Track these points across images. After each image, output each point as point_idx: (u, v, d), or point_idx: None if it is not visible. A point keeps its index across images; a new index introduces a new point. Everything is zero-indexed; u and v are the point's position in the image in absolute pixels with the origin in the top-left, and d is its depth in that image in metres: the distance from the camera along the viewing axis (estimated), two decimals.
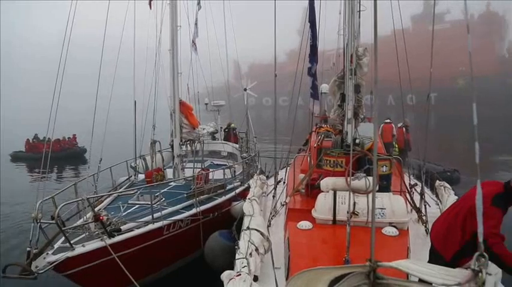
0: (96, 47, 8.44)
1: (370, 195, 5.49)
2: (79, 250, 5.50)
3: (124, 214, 6.91)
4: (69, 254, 5.39)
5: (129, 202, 7.63)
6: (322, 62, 10.96)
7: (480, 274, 1.32)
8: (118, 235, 5.96)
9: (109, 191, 8.85)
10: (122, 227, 6.16)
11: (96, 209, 6.63)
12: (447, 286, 1.32)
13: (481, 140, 1.58)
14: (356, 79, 6.51)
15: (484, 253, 1.37)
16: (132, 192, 8.00)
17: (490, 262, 3.89)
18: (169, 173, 10.20)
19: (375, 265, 1.37)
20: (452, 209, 4.17)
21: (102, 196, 7.64)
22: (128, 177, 10.07)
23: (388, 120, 14.45)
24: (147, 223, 6.61)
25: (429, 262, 4.02)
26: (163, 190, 8.29)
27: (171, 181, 9.24)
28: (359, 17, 6.68)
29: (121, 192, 8.24)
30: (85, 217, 6.23)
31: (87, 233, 5.88)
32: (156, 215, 6.76)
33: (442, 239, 3.99)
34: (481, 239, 1.43)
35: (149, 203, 6.90)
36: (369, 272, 1.38)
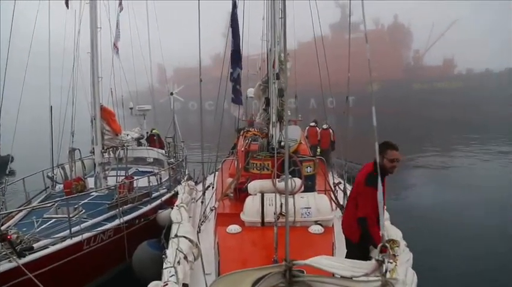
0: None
1: (296, 196, 5.69)
2: None
3: (38, 229, 6.34)
4: None
5: (45, 215, 7.03)
6: (247, 67, 11.13)
7: (384, 264, 1.42)
8: (30, 254, 5.43)
9: (22, 205, 8.09)
10: (34, 245, 5.63)
11: (4, 226, 6.03)
12: (356, 278, 1.41)
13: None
14: (279, 83, 6.69)
15: (386, 244, 1.49)
16: (48, 205, 7.38)
17: (403, 251, 4.29)
18: (90, 182, 9.57)
19: (290, 264, 1.42)
20: (350, 198, 4.65)
21: (11, 212, 6.93)
22: (44, 188, 9.30)
23: (313, 124, 15.13)
24: (64, 238, 6.13)
25: (346, 249, 4.49)
26: (83, 201, 7.77)
27: (92, 191, 8.70)
28: (281, 23, 6.90)
29: (34, 206, 7.55)
30: None
31: None
32: (74, 229, 6.31)
33: (347, 226, 4.47)
34: (383, 231, 1.56)
35: (67, 216, 6.42)
36: (285, 271, 1.42)
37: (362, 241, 4.22)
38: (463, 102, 50.32)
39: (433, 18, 66.02)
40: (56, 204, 7.24)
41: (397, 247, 4.26)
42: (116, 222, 7.20)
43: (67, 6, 9.62)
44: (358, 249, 4.32)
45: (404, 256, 4.17)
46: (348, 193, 7.27)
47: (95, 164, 9.54)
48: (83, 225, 6.61)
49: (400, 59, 66.44)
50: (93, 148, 9.59)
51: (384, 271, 1.39)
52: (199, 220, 6.49)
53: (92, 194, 8.51)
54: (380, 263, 1.40)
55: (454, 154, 23.07)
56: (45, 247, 5.81)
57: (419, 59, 69.88)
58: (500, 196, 12.59)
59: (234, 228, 5.30)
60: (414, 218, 10.05)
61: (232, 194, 6.72)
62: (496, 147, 23.62)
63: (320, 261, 1.49)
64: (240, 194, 6.49)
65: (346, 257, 4.45)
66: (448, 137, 29.33)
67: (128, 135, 10.80)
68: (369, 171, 4.02)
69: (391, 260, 1.50)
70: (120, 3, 11.07)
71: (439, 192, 13.84)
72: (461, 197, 12.73)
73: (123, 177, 9.31)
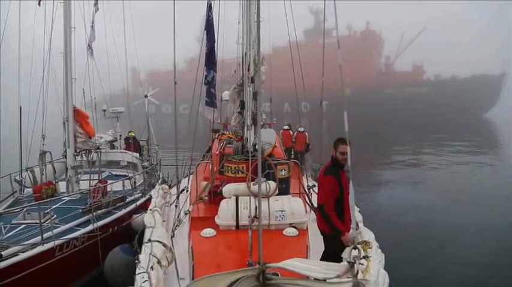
0: None
1: (271, 199, 5.72)
2: None
3: (6, 236, 6.11)
4: None
5: (13, 221, 6.76)
6: (222, 70, 11.14)
7: (355, 265, 1.48)
8: None
9: None
10: (3, 253, 5.43)
11: None
12: (328, 279, 1.45)
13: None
14: (254, 87, 6.73)
15: (358, 246, 1.54)
16: (17, 210, 7.13)
17: (375, 252, 4.42)
18: (62, 186, 9.28)
19: (263, 267, 1.45)
20: None
21: None
22: (11, 193, 8.96)
23: (287, 127, 15.29)
24: (35, 245, 5.93)
25: (324, 244, 4.66)
26: (54, 206, 7.53)
27: (64, 196, 8.45)
28: (257, 27, 6.94)
29: (2, 212, 7.27)
30: None
31: None
32: (46, 235, 6.11)
33: (319, 220, 4.72)
34: (355, 234, 1.61)
35: (38, 221, 6.21)
36: (258, 274, 1.45)
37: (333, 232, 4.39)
38: (431, 107, 52.28)
39: (403, 26, 68.26)
40: (25, 209, 7.00)
41: (370, 248, 4.39)
42: (90, 227, 7.02)
43: (39, 4, 9.39)
44: (334, 240, 4.42)
45: (377, 257, 4.29)
46: None
47: (66, 168, 9.27)
48: (55, 231, 6.39)
49: (372, 65, 68.30)
50: (65, 151, 9.33)
51: (356, 272, 1.44)
52: (173, 224, 6.42)
53: (63, 198, 8.25)
54: (352, 264, 1.45)
55: (422, 157, 23.91)
56: (15, 254, 5.60)
57: (390, 65, 71.94)
58: (467, 197, 13.14)
59: (208, 232, 5.27)
60: (387, 220, 10.32)
61: (206, 198, 6.69)
62: (457, 154, 24.51)
63: (293, 264, 1.52)
64: (215, 197, 6.47)
65: (324, 252, 4.58)
66: (418, 141, 30.34)
67: (101, 138, 10.57)
68: (327, 165, 4.61)
69: (362, 262, 1.55)
70: (96, 4, 10.85)
71: (409, 195, 14.27)
72: (431, 199, 13.17)
73: (96, 181, 9.10)
